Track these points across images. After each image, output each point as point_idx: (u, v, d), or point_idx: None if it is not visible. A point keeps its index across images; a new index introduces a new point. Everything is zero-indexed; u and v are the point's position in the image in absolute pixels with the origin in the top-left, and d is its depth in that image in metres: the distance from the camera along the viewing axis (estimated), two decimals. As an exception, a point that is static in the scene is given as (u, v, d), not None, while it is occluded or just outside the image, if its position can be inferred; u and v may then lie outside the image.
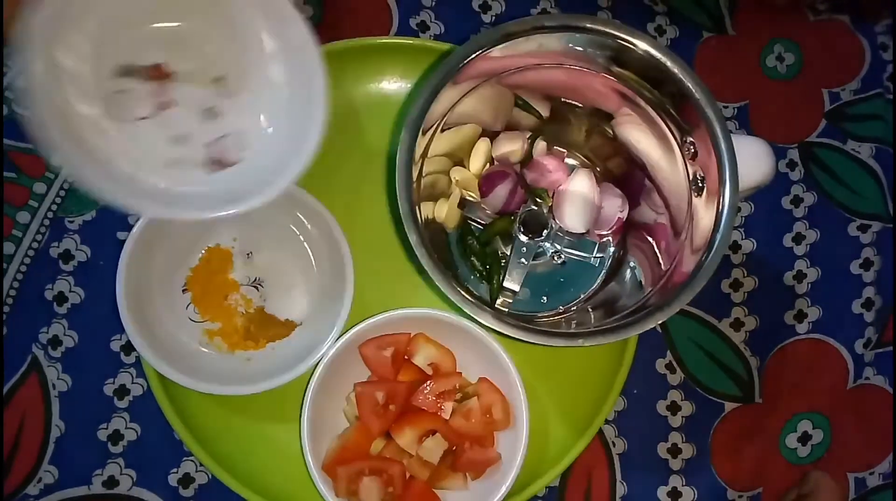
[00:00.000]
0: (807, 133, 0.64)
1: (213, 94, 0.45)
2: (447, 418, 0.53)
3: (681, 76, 0.46)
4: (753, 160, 0.46)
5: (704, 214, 0.47)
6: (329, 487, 0.50)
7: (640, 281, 0.53)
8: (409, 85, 0.60)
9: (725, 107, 0.64)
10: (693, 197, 0.48)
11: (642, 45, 0.47)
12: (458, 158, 0.56)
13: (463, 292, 0.45)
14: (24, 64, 0.37)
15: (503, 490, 0.51)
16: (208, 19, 0.44)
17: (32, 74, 0.38)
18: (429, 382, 0.53)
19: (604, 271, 0.57)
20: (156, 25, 0.44)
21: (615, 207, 0.55)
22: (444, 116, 0.50)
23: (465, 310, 0.45)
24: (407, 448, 0.52)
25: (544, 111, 0.55)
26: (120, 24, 0.42)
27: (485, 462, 0.53)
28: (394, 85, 0.60)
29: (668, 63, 0.46)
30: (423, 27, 0.62)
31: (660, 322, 0.45)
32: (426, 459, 0.52)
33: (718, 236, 0.45)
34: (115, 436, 0.55)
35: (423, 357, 0.55)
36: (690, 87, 0.46)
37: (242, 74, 0.45)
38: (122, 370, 0.56)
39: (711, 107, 0.46)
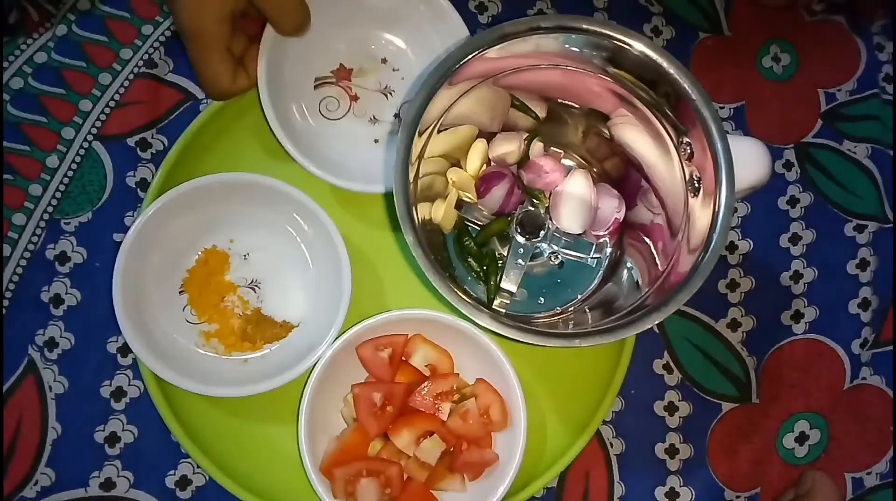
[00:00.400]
0: (803, 134, 0.64)
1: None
2: (445, 419, 0.53)
3: (677, 77, 0.46)
4: (750, 161, 0.46)
5: (701, 214, 0.47)
6: (327, 488, 0.50)
7: (637, 282, 0.53)
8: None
9: (721, 107, 0.64)
10: (689, 198, 0.48)
11: (638, 46, 0.47)
12: (455, 159, 0.56)
13: (460, 293, 0.45)
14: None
15: (501, 490, 0.51)
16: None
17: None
18: (426, 383, 0.53)
19: (601, 272, 0.57)
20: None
21: (612, 207, 0.55)
22: (441, 117, 0.50)
23: (463, 311, 0.45)
24: (405, 449, 0.52)
25: (541, 112, 0.55)
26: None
27: (482, 463, 0.53)
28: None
29: (664, 64, 0.46)
30: (420, 28, 0.62)
31: (657, 322, 0.45)
32: (424, 460, 0.52)
33: (715, 236, 0.45)
34: (112, 438, 0.55)
35: (420, 358, 0.54)
36: (686, 87, 0.46)
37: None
38: (118, 372, 0.56)
39: (707, 107, 0.46)
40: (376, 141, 0.59)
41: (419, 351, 0.54)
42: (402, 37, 0.60)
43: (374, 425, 0.52)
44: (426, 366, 0.55)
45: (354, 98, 0.59)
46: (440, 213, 0.55)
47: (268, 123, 0.54)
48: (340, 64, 0.59)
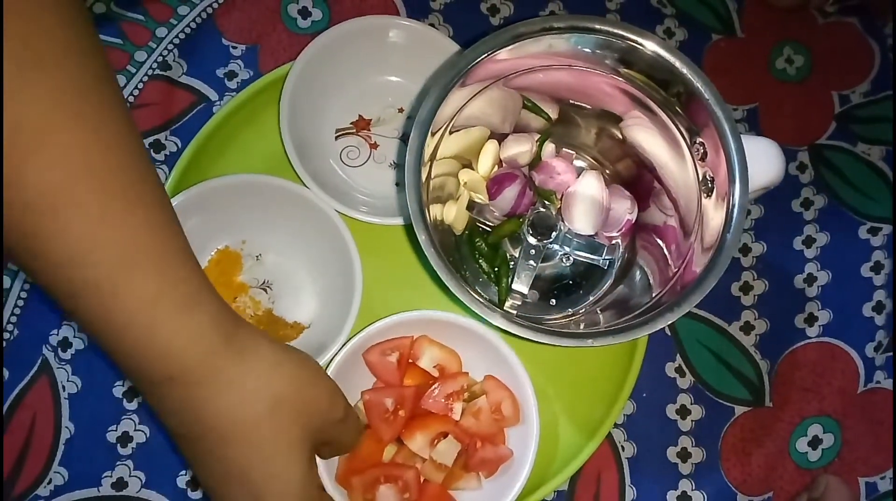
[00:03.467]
0: (817, 135, 0.64)
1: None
2: (458, 419, 0.52)
3: (689, 77, 0.46)
4: (763, 160, 0.46)
5: (714, 214, 0.46)
6: (344, 498, 0.50)
7: (650, 283, 0.53)
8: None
9: (735, 109, 0.64)
10: (703, 198, 0.48)
11: (651, 46, 0.47)
12: (467, 160, 0.56)
13: (473, 294, 0.45)
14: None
15: (517, 486, 0.51)
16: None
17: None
18: (436, 384, 0.53)
19: (613, 274, 0.57)
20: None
21: (624, 209, 0.55)
22: (453, 118, 0.50)
23: (476, 311, 0.45)
24: (419, 452, 0.51)
25: (553, 113, 0.55)
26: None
27: (497, 460, 0.53)
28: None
29: (677, 63, 0.46)
30: (432, 30, 0.62)
31: (670, 323, 0.45)
32: (440, 462, 0.51)
33: (729, 236, 0.45)
34: (125, 438, 0.55)
35: (428, 359, 0.54)
36: (699, 87, 0.46)
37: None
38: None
39: (720, 107, 0.45)
40: (397, 184, 0.60)
41: (426, 352, 0.54)
42: (417, 85, 0.61)
43: (387, 430, 0.51)
44: (434, 367, 0.54)
45: (374, 146, 0.60)
46: (452, 214, 0.55)
47: (294, 170, 0.55)
48: (360, 115, 0.61)
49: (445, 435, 0.52)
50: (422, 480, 0.52)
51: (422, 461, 0.52)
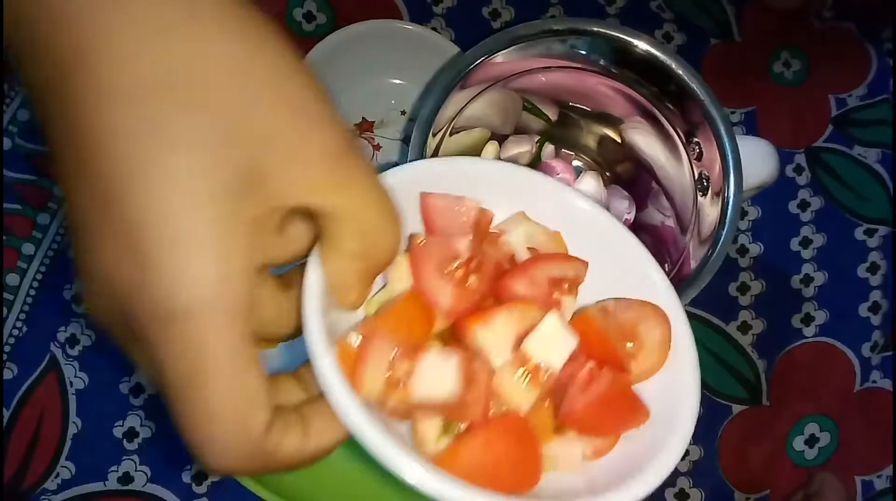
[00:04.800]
0: (814, 138, 0.65)
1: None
2: (568, 318, 0.32)
3: (685, 78, 0.47)
4: (757, 159, 0.46)
5: (710, 211, 0.47)
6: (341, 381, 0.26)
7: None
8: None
9: (733, 112, 0.65)
10: (699, 196, 0.49)
11: (647, 48, 0.47)
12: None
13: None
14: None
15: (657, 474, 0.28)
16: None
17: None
18: (540, 262, 0.32)
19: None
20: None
21: (622, 209, 0.56)
22: (454, 119, 0.51)
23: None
24: (493, 351, 0.29)
25: (552, 115, 0.56)
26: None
27: (630, 410, 0.30)
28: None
29: (673, 65, 0.47)
30: (434, 34, 0.63)
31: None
32: (540, 368, 0.29)
33: (724, 233, 0.45)
34: (131, 433, 0.56)
35: (521, 235, 0.33)
36: (695, 88, 0.47)
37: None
38: (137, 368, 0.57)
39: (715, 107, 0.46)
40: None
41: (520, 228, 0.33)
42: (419, 88, 0.62)
43: (446, 292, 0.29)
44: (529, 249, 0.33)
45: (377, 147, 0.61)
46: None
47: None
48: (363, 118, 0.62)
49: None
50: (490, 411, 0.29)
51: (495, 374, 0.29)
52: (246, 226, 0.23)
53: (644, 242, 0.53)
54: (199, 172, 0.22)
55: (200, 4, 0.22)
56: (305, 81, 0.24)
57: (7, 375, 0.56)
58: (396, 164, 0.59)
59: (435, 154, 0.51)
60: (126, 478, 0.55)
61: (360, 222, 0.25)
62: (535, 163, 0.58)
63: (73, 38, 0.21)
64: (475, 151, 0.57)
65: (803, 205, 0.63)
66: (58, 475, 0.55)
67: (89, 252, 0.23)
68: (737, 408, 0.60)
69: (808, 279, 0.62)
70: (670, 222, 0.53)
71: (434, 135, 0.48)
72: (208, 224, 0.22)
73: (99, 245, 0.23)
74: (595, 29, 0.47)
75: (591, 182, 0.56)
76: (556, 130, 0.57)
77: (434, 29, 0.63)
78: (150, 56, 0.22)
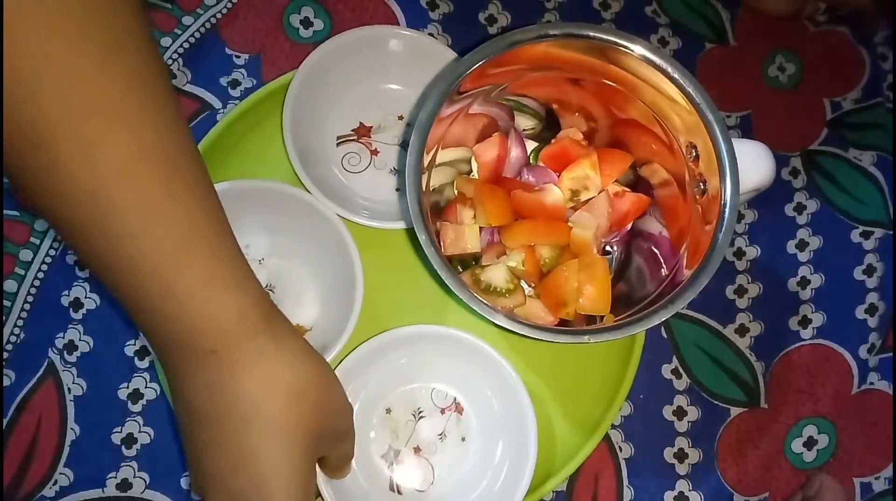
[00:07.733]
0: (809, 142, 0.65)
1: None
2: None
3: (681, 81, 0.47)
4: (753, 162, 0.47)
5: (706, 214, 0.48)
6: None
7: (645, 282, 0.54)
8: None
9: (728, 116, 0.65)
10: (696, 199, 0.49)
11: (643, 52, 0.48)
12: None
13: (473, 292, 0.46)
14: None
15: (522, 486, 0.51)
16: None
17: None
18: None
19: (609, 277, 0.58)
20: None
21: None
22: (441, 139, 0.52)
23: (476, 309, 0.46)
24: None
25: (547, 119, 0.56)
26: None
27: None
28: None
29: (669, 69, 0.47)
30: (431, 40, 0.64)
31: (664, 319, 0.46)
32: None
33: (720, 236, 0.46)
34: (129, 440, 0.56)
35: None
36: (691, 91, 0.47)
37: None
38: (135, 374, 0.57)
39: (711, 110, 0.47)
40: (398, 190, 0.61)
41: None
42: (416, 93, 0.62)
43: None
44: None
45: (375, 152, 0.61)
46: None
47: (297, 176, 0.56)
48: (360, 122, 0.62)
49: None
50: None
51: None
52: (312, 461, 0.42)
53: (641, 248, 0.54)
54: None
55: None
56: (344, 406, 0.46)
57: (5, 381, 0.56)
58: (395, 168, 0.59)
59: (433, 161, 0.51)
60: (125, 485, 0.55)
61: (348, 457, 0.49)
62: (530, 165, 0.58)
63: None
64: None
65: (799, 208, 0.64)
66: (56, 482, 0.55)
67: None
68: (735, 411, 0.60)
69: (804, 282, 0.62)
70: (667, 233, 0.53)
71: (427, 152, 0.48)
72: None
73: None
74: (591, 33, 0.48)
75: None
76: (552, 135, 0.58)
77: (431, 34, 0.63)
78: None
